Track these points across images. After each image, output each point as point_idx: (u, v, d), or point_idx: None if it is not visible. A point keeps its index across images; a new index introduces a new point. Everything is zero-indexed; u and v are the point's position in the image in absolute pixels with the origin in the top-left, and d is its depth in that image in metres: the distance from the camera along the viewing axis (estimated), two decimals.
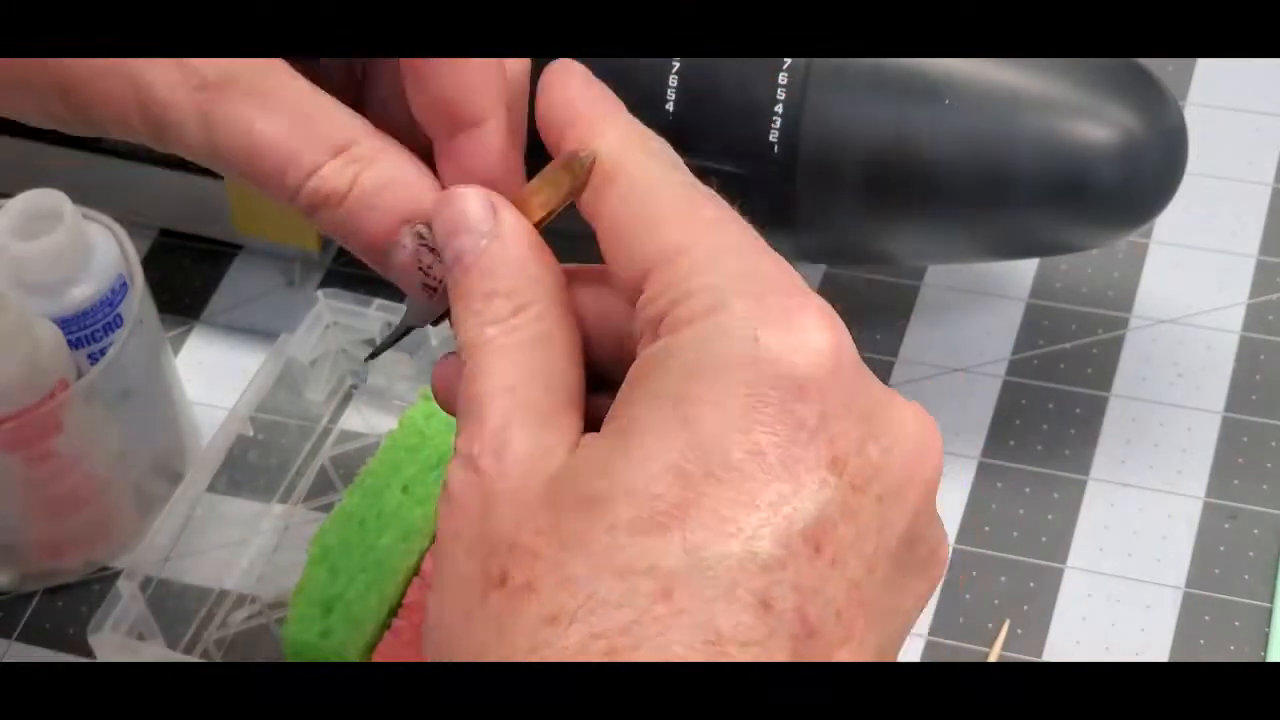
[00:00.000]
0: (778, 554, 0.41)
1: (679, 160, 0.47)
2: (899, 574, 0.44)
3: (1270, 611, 0.62)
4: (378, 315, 0.68)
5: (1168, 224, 0.72)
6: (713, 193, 0.46)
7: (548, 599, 0.41)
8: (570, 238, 0.49)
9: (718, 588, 0.40)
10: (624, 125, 0.47)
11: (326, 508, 0.68)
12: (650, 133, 0.47)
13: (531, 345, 0.45)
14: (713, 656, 0.40)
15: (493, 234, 0.46)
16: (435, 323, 0.49)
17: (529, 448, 0.43)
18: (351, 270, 0.75)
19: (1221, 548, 0.64)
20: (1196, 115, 0.71)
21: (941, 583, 0.48)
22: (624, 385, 0.44)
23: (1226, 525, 0.64)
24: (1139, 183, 0.60)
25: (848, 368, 0.43)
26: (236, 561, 0.67)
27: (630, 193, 0.46)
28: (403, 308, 0.68)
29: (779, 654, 0.41)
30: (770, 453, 0.41)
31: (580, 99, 0.47)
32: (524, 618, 0.41)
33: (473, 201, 0.46)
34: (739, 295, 0.43)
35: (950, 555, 0.46)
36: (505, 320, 0.45)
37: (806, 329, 0.43)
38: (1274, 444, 0.66)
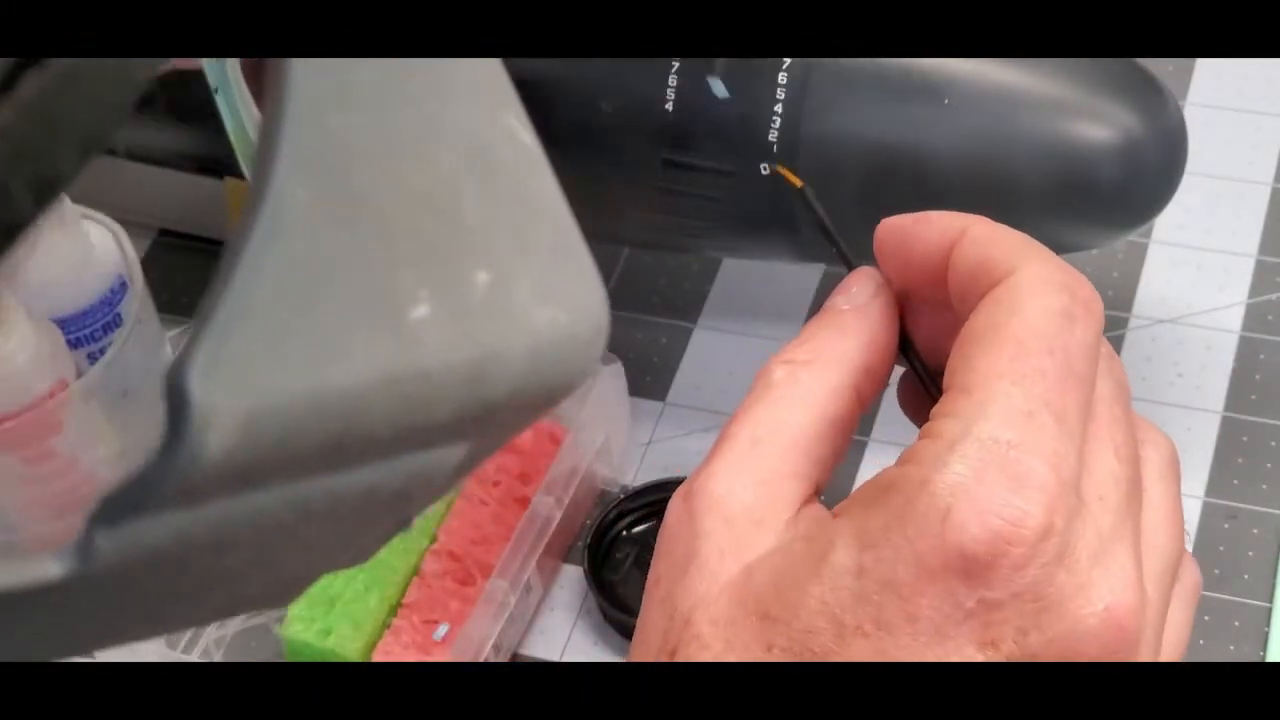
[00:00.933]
0: None
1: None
2: None
3: (1270, 611, 0.62)
4: None
5: (1167, 224, 0.72)
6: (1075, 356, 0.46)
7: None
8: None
9: None
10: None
11: None
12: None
13: (802, 403, 0.48)
14: None
15: (858, 307, 0.50)
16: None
17: (743, 508, 0.47)
18: None
19: (1221, 547, 0.64)
20: (1196, 115, 0.71)
21: None
22: (868, 485, 0.46)
23: (1226, 525, 0.64)
24: (1139, 182, 0.60)
25: (1038, 558, 0.43)
26: None
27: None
28: None
29: None
30: (924, 622, 0.43)
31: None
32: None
33: (864, 277, 0.50)
34: (961, 457, 0.44)
35: None
36: (797, 364, 0.49)
37: (1001, 515, 0.43)
38: (1273, 444, 0.66)
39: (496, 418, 0.31)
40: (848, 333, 0.50)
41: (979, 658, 0.43)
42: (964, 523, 0.43)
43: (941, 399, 0.45)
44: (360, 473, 0.29)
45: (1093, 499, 0.45)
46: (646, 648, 0.47)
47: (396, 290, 0.27)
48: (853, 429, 0.49)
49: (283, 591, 0.33)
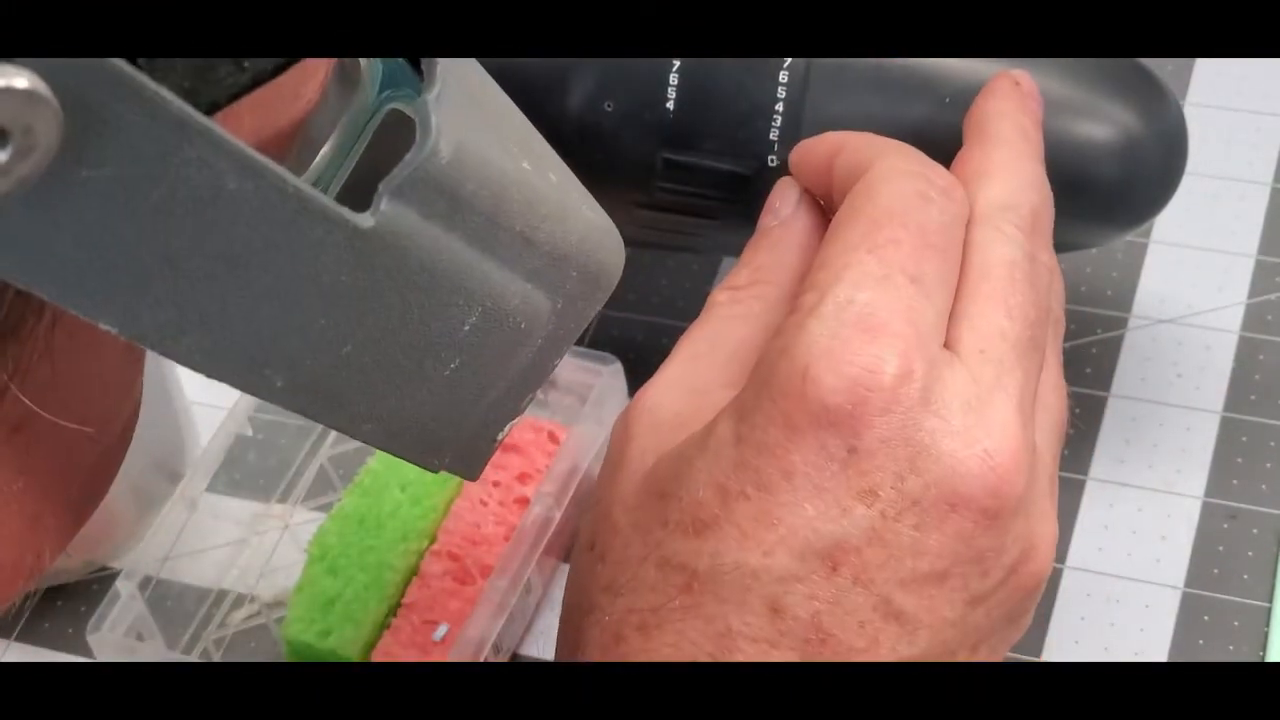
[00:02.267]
0: (792, 567, 0.45)
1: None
2: (957, 593, 0.46)
3: (1269, 611, 0.62)
4: None
5: (1167, 224, 0.72)
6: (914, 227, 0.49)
7: (609, 571, 0.48)
8: None
9: (730, 590, 0.46)
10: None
11: (326, 508, 0.68)
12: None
13: (742, 320, 0.52)
14: (723, 647, 0.45)
15: (784, 221, 0.54)
16: None
17: (672, 414, 0.50)
18: None
19: (1220, 548, 0.64)
20: (1196, 115, 0.71)
21: (1037, 595, 0.49)
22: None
23: (1225, 525, 0.64)
24: (1139, 182, 0.60)
25: (899, 402, 0.45)
26: (236, 561, 0.67)
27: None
28: None
29: (789, 654, 0.45)
30: (800, 477, 0.45)
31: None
32: (594, 580, 0.48)
33: (785, 189, 0.55)
34: (818, 318, 0.46)
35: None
36: (738, 289, 0.53)
37: (856, 363, 0.45)
38: (1273, 444, 0.66)
39: (567, 271, 0.40)
40: (779, 248, 0.53)
41: (860, 508, 0.45)
42: (820, 377, 0.45)
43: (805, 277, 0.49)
44: (498, 269, 0.38)
45: (971, 351, 0.47)
46: (577, 548, 0.50)
47: (514, 149, 0.39)
48: None
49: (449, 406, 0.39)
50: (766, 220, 0.54)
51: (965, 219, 0.50)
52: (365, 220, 0.35)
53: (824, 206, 0.54)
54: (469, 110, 0.38)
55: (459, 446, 0.41)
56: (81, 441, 0.38)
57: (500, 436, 0.42)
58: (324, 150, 0.40)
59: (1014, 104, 0.54)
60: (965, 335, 0.47)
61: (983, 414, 0.46)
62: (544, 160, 0.40)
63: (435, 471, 0.42)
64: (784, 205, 0.54)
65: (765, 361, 0.47)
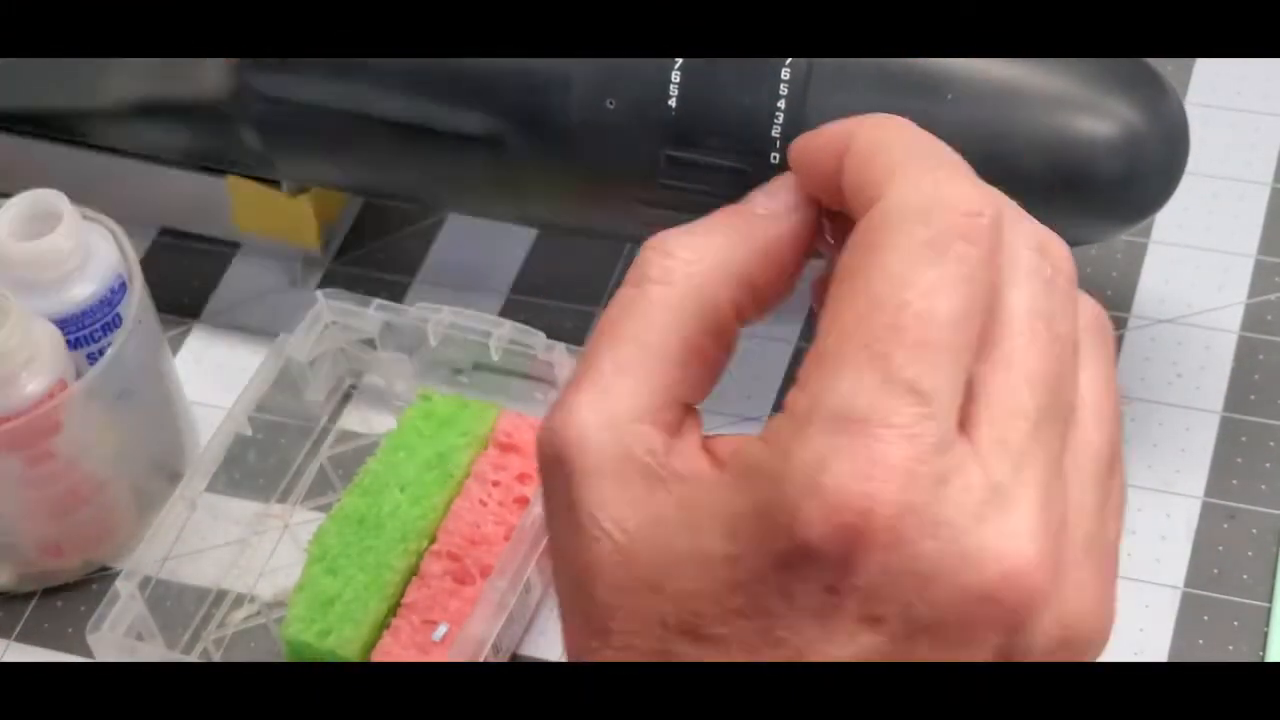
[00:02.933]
0: None
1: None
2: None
3: (1269, 611, 0.62)
4: (377, 315, 0.68)
5: (1167, 223, 0.72)
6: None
7: (617, 656, 0.44)
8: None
9: None
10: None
11: (326, 508, 0.68)
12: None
13: (666, 308, 0.45)
14: None
15: (771, 213, 0.47)
16: None
17: (616, 454, 0.44)
18: (352, 270, 0.75)
19: (1220, 547, 0.64)
20: (1196, 115, 0.71)
21: (1091, 650, 0.45)
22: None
23: (1225, 525, 0.64)
24: (1141, 177, 0.60)
25: (899, 538, 0.41)
26: (236, 561, 0.67)
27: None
28: (402, 306, 0.68)
29: None
30: (799, 603, 0.42)
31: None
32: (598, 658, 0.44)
33: (787, 183, 0.47)
34: (805, 442, 0.41)
35: None
36: (672, 259, 0.46)
37: (849, 506, 0.41)
38: (1272, 444, 0.66)
39: None
40: (743, 238, 0.47)
41: (867, 635, 0.42)
42: (811, 521, 0.41)
43: (804, 363, 0.43)
44: None
45: (989, 441, 0.42)
46: (563, 614, 0.46)
47: None
48: (732, 343, 0.46)
49: None
50: (757, 200, 0.47)
51: (994, 249, 0.43)
52: None
53: (830, 211, 0.48)
54: None
55: None
56: None
57: None
58: None
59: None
60: (983, 420, 0.43)
61: (999, 523, 0.42)
62: None
63: None
64: (779, 199, 0.47)
65: (760, 475, 0.42)
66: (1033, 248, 0.44)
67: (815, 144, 0.47)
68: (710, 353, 0.46)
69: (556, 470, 0.44)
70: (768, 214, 0.47)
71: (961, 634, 0.42)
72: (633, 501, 0.44)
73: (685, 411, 0.45)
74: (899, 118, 0.46)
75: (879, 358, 0.41)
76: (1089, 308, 0.46)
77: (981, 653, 0.42)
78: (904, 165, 0.44)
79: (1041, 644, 0.43)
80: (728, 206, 0.47)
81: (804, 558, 0.41)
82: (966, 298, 0.42)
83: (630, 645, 0.44)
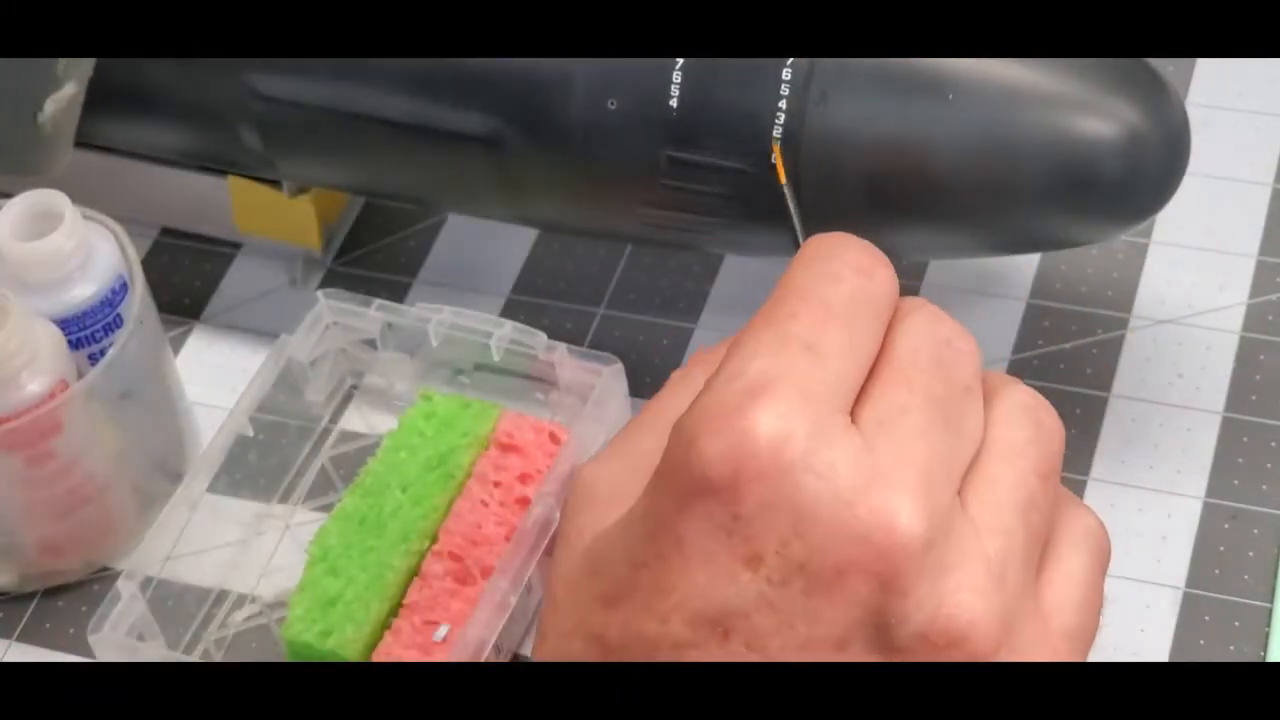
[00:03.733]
0: (686, 634, 0.46)
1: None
2: (857, 658, 0.45)
3: (1270, 611, 0.62)
4: (377, 315, 0.68)
5: (1168, 224, 0.72)
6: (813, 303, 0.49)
7: (548, 646, 0.50)
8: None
9: (635, 659, 0.46)
10: None
11: (326, 508, 0.68)
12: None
13: (683, 391, 0.52)
14: None
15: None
16: None
17: (608, 490, 0.51)
18: (353, 270, 0.75)
19: (1221, 548, 0.64)
20: (1196, 115, 0.71)
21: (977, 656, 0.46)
22: None
23: (1226, 525, 0.64)
24: (1142, 177, 0.60)
25: (778, 466, 0.45)
26: (236, 561, 0.67)
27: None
28: (403, 307, 0.68)
29: None
30: (689, 545, 0.46)
31: None
32: (539, 654, 0.50)
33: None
34: (709, 390, 0.47)
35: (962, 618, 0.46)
36: (690, 365, 0.54)
37: (736, 429, 0.45)
38: (1274, 444, 0.66)
39: None
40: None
41: (747, 575, 0.45)
42: (703, 446, 0.45)
43: None
44: None
45: (869, 421, 0.47)
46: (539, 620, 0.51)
47: None
48: None
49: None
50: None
51: (888, 299, 0.49)
52: None
53: None
54: None
55: None
56: None
57: (42, 116, 0.40)
58: None
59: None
60: (866, 409, 0.47)
61: (875, 477, 0.45)
62: None
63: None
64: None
65: (672, 434, 0.47)
66: (924, 313, 0.50)
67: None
68: None
69: (564, 508, 0.53)
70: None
71: (834, 579, 0.45)
72: (602, 517, 0.50)
73: None
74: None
75: (777, 326, 0.48)
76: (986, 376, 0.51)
77: (853, 607, 0.44)
78: (822, 237, 0.51)
79: (914, 618, 0.45)
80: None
81: (697, 488, 0.45)
82: (861, 311, 0.48)
83: (560, 632, 0.49)
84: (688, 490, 0.46)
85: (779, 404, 0.45)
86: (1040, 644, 0.47)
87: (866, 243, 0.50)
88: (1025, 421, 0.50)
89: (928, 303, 0.51)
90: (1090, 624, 0.50)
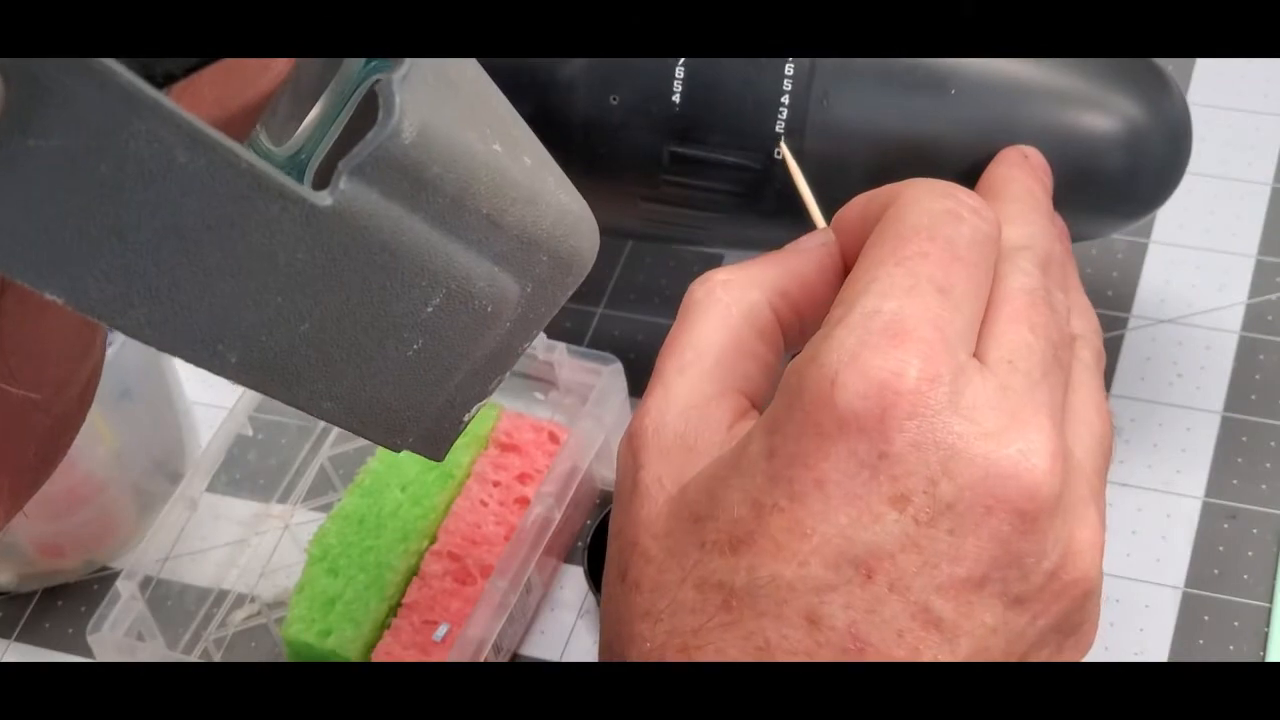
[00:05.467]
0: (827, 577, 0.45)
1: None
2: (996, 599, 0.45)
3: (1270, 611, 0.62)
4: None
5: (1167, 223, 0.72)
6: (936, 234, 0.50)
7: (646, 599, 0.47)
8: None
9: (768, 604, 0.45)
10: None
11: (326, 508, 0.68)
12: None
13: (721, 322, 0.52)
14: (762, 660, 0.45)
15: (795, 245, 0.54)
16: None
17: (675, 436, 0.50)
18: None
19: (1221, 548, 0.64)
20: (1196, 115, 0.71)
21: (1088, 605, 0.48)
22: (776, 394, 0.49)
23: (1226, 525, 0.64)
24: (1143, 172, 0.60)
25: (928, 406, 0.45)
26: (236, 561, 0.67)
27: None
28: None
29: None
30: (831, 485, 0.45)
31: None
32: (631, 610, 0.48)
33: (816, 233, 0.54)
34: (846, 327, 0.46)
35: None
36: (713, 285, 0.52)
37: (883, 368, 0.45)
38: (1273, 444, 0.66)
39: (537, 255, 0.40)
40: (772, 261, 0.53)
41: (892, 514, 0.45)
42: (847, 383, 0.45)
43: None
44: (464, 251, 0.38)
45: (998, 361, 0.47)
46: (606, 579, 0.50)
47: (486, 130, 0.38)
48: (779, 344, 0.52)
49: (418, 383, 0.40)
50: (786, 246, 0.54)
51: (996, 240, 0.50)
52: (323, 199, 0.35)
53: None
54: (439, 90, 0.37)
55: (423, 427, 0.41)
56: (33, 408, 0.38)
57: (467, 418, 0.42)
58: (308, 118, 0.39)
59: (1023, 171, 0.56)
60: (992, 349, 0.48)
61: (1014, 417, 0.46)
62: (519, 143, 0.40)
63: (398, 451, 0.41)
64: (808, 240, 0.54)
65: (794, 372, 0.47)
66: (1021, 246, 0.51)
67: (845, 207, 0.54)
68: (758, 350, 0.52)
69: (628, 461, 0.50)
70: (796, 249, 0.54)
71: (982, 517, 0.45)
72: (693, 466, 0.49)
73: (746, 399, 0.51)
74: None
75: (908, 265, 0.47)
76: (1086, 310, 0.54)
77: (995, 544, 0.45)
78: (917, 180, 0.51)
79: (1050, 555, 0.46)
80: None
81: (841, 426, 0.45)
82: (980, 253, 0.49)
83: (661, 584, 0.47)
84: (830, 428, 0.45)
85: (922, 346, 0.46)
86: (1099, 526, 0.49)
87: (959, 186, 0.51)
88: (1092, 335, 0.54)
89: (1031, 247, 0.51)
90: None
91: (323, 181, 0.36)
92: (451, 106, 0.37)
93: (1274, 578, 0.63)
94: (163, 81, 0.34)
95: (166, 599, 0.64)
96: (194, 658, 0.65)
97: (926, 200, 0.49)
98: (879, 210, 0.51)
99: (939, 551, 0.45)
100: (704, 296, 0.52)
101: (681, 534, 0.47)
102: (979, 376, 0.47)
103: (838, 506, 0.45)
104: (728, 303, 0.52)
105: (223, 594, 0.67)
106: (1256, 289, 0.70)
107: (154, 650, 0.63)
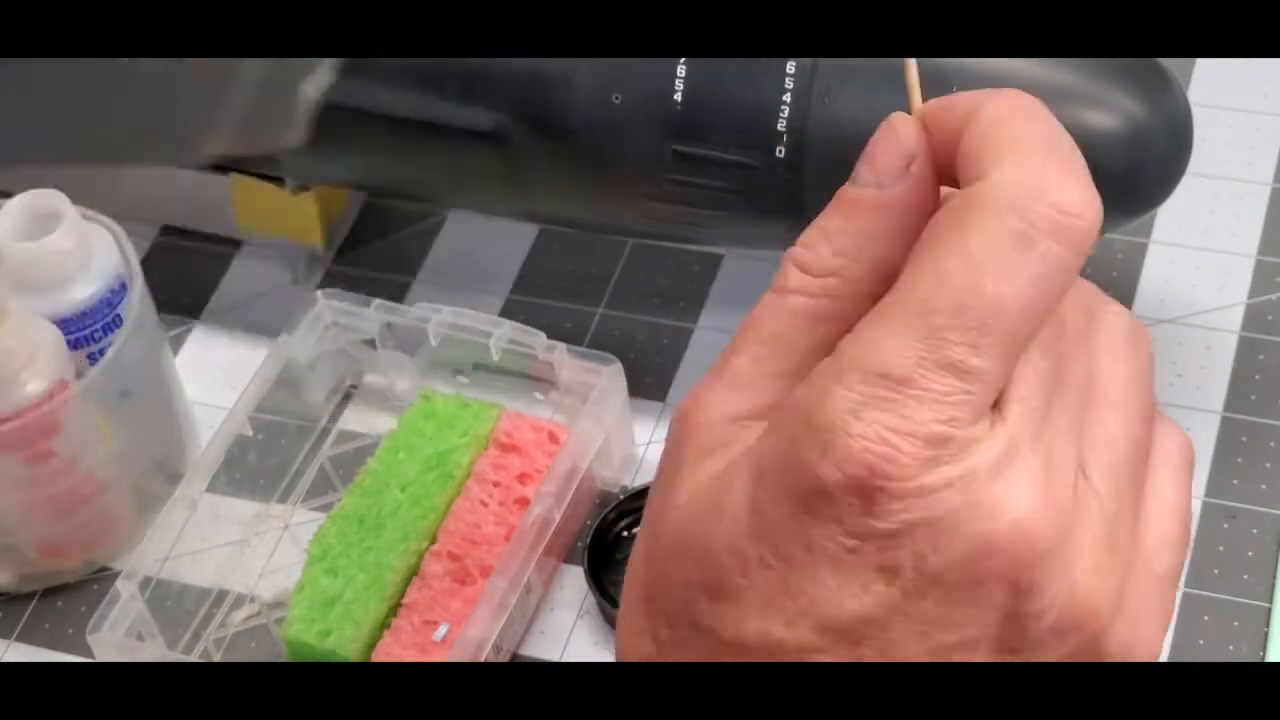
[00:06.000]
0: (814, 641, 0.44)
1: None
2: (990, 656, 0.44)
3: (1269, 611, 0.62)
4: (377, 315, 0.68)
5: (1167, 223, 0.72)
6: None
7: (630, 627, 0.46)
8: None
9: (761, 658, 0.44)
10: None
11: (326, 508, 0.68)
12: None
13: (809, 323, 0.46)
14: None
15: (887, 193, 0.46)
16: None
17: (718, 442, 0.46)
18: (353, 270, 0.75)
19: (1220, 548, 0.64)
20: (1197, 115, 0.71)
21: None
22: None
23: (1225, 525, 0.64)
24: (1144, 169, 0.60)
25: (921, 488, 0.43)
26: (236, 561, 0.67)
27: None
28: (402, 307, 0.68)
29: None
30: (819, 551, 0.43)
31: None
32: (632, 627, 0.46)
33: (895, 143, 0.46)
34: (846, 386, 0.43)
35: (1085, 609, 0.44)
36: (812, 276, 0.47)
37: (875, 452, 0.42)
38: (1273, 444, 0.66)
39: None
40: (868, 232, 0.46)
41: (881, 586, 0.43)
42: (839, 459, 0.42)
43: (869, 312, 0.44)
44: None
45: (1013, 416, 0.43)
46: (634, 562, 0.47)
47: None
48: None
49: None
50: (864, 176, 0.46)
51: (1082, 254, 0.43)
52: None
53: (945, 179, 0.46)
54: None
55: None
56: None
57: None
58: None
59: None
60: (1012, 396, 0.44)
61: (1012, 481, 0.43)
62: None
63: None
64: (888, 167, 0.46)
65: (791, 415, 0.44)
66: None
67: (945, 109, 0.46)
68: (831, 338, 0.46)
69: (674, 446, 0.47)
70: (879, 195, 0.46)
71: (973, 589, 0.43)
72: (696, 479, 0.46)
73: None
74: (1034, 100, 0.46)
75: (935, 331, 0.42)
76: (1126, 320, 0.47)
77: (988, 611, 0.43)
78: (1017, 148, 0.44)
79: (1050, 619, 0.44)
80: (843, 195, 0.47)
81: (827, 500, 0.43)
82: (1037, 297, 0.43)
83: (662, 611, 0.45)
84: (817, 500, 0.43)
85: (924, 434, 0.42)
86: (1150, 596, 0.45)
87: (1076, 159, 0.44)
88: (1128, 354, 0.47)
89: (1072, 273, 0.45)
90: (1184, 550, 0.48)
91: None
92: None
93: (1274, 578, 0.63)
94: None
95: (166, 599, 0.64)
96: (194, 658, 0.65)
97: (996, 218, 0.43)
98: (969, 156, 0.44)
99: (929, 620, 0.44)
100: (797, 289, 0.47)
101: (673, 563, 0.46)
102: (981, 444, 0.43)
103: (826, 572, 0.43)
104: (820, 304, 0.46)
105: (222, 594, 0.67)
106: (1256, 289, 0.70)
107: (154, 650, 0.63)
